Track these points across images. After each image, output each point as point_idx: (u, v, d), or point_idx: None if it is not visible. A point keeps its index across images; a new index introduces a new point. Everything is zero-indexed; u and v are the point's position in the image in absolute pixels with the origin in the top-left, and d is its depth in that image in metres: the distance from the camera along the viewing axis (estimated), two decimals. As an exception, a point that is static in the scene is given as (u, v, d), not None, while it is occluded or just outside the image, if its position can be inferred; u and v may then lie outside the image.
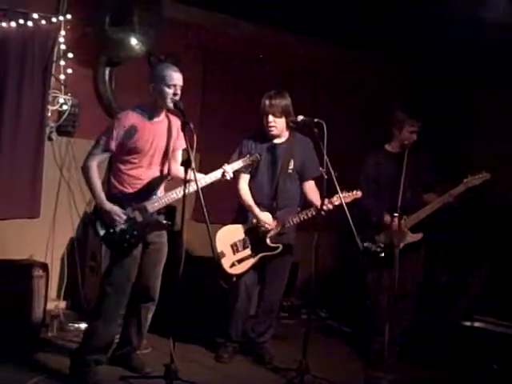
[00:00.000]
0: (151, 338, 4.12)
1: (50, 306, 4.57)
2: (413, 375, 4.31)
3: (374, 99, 6.11)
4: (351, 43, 5.84)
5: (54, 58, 4.80)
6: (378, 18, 5.06)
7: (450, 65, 5.70)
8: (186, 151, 3.45)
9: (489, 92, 6.09)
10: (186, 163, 3.35)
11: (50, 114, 4.84)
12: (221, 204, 4.53)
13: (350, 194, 4.08)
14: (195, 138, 3.34)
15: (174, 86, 3.53)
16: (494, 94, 6.05)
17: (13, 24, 4.54)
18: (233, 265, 4.11)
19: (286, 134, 4.24)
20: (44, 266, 4.34)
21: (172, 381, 3.30)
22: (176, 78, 3.54)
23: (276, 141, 4.23)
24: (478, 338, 4.59)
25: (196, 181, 3.36)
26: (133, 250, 3.56)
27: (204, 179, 3.67)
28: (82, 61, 4.95)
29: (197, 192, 3.42)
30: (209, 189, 3.71)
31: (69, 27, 4.79)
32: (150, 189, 3.62)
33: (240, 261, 4.13)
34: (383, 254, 4.31)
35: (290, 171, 4.23)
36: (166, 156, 3.69)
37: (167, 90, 3.52)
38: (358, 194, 4.11)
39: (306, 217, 4.11)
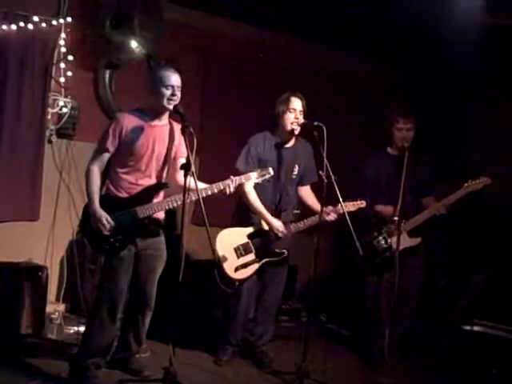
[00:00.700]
0: (150, 342, 4.10)
1: (50, 308, 4.56)
2: (413, 379, 4.31)
3: (374, 102, 6.12)
4: (351, 46, 5.84)
5: (54, 61, 4.81)
6: (377, 20, 5.06)
7: (449, 68, 5.70)
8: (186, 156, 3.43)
9: (488, 95, 6.09)
10: (185, 167, 3.33)
11: (49, 117, 4.84)
12: (220, 207, 4.49)
13: (355, 203, 4.09)
14: (195, 141, 3.33)
15: (172, 86, 3.50)
16: (492, 98, 6.05)
17: (13, 27, 4.55)
18: (237, 269, 4.06)
19: (293, 139, 4.24)
20: (43, 269, 4.33)
21: (171, 384, 3.30)
22: (173, 78, 3.52)
23: (285, 144, 4.21)
24: (477, 341, 4.58)
25: (197, 188, 3.32)
26: (119, 253, 3.52)
27: (206, 190, 3.59)
28: (82, 63, 4.95)
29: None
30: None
31: (69, 30, 4.80)
32: (145, 195, 3.57)
33: (244, 265, 4.09)
34: (388, 254, 4.31)
35: (293, 176, 4.23)
36: (165, 162, 3.64)
37: (164, 90, 3.50)
38: (363, 203, 4.12)
39: (310, 223, 4.12)
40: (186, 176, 3.32)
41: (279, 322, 5.06)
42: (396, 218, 4.15)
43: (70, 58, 4.83)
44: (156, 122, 3.61)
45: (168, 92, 3.50)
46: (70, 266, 4.96)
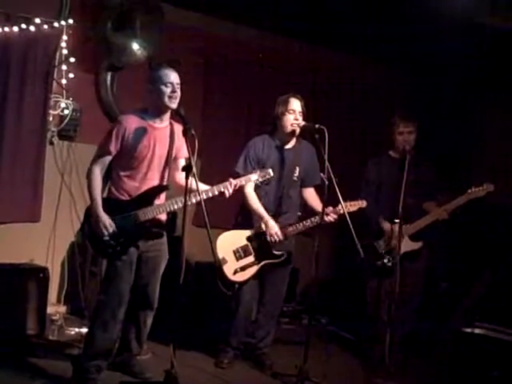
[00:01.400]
0: (151, 344, 4.11)
1: (51, 310, 4.57)
2: (413, 381, 4.31)
3: (375, 104, 6.12)
4: (351, 48, 5.85)
5: (56, 63, 4.81)
6: (378, 23, 5.06)
7: (450, 71, 5.71)
8: (187, 157, 3.43)
9: (489, 98, 6.10)
10: (186, 168, 3.32)
11: (51, 119, 4.85)
12: (222, 208, 4.50)
13: (355, 202, 4.07)
14: (196, 143, 3.32)
15: (171, 83, 3.51)
16: (494, 100, 6.06)
17: (15, 29, 4.55)
18: (236, 272, 4.06)
19: (293, 140, 4.23)
20: (44, 270, 4.33)
21: (172, 386, 3.30)
22: (172, 76, 3.53)
23: (285, 146, 4.21)
24: (478, 344, 4.58)
25: (198, 189, 3.32)
26: (121, 256, 3.52)
27: (206, 193, 3.59)
28: (84, 65, 4.96)
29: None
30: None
31: (71, 32, 4.81)
32: (147, 198, 3.57)
33: (243, 268, 4.08)
34: (386, 261, 4.31)
35: (295, 178, 4.22)
36: (166, 164, 3.64)
37: (164, 88, 3.50)
38: (364, 203, 4.11)
39: (310, 224, 4.10)
40: (187, 178, 3.31)
41: (280, 324, 5.06)
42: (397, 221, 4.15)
43: (72, 59, 4.84)
44: (158, 124, 3.62)
45: (168, 89, 3.51)
46: (71, 268, 4.96)
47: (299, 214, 4.28)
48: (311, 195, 4.30)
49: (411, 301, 4.46)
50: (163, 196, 3.67)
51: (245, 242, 4.13)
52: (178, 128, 3.61)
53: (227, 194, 3.66)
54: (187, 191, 3.31)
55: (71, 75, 4.86)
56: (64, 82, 4.84)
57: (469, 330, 4.67)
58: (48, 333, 4.27)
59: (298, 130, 4.12)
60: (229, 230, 4.22)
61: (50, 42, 4.74)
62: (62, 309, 4.93)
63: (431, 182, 4.52)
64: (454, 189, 4.47)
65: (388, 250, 4.38)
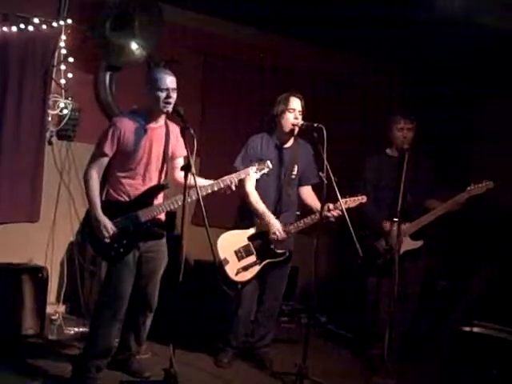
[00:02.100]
0: (151, 343, 4.11)
1: (50, 309, 4.57)
2: (412, 380, 4.31)
3: (374, 104, 6.12)
4: (351, 49, 5.85)
5: (55, 63, 4.81)
6: (378, 24, 5.06)
7: (450, 71, 5.71)
8: (186, 157, 3.43)
9: (489, 99, 6.10)
10: (186, 168, 3.32)
11: (50, 119, 4.86)
12: (221, 206, 4.51)
13: (355, 198, 4.06)
14: (195, 142, 3.31)
15: (167, 89, 3.47)
16: (493, 101, 6.06)
17: (14, 28, 4.56)
18: (238, 272, 4.04)
19: (292, 139, 4.23)
20: (43, 270, 4.33)
21: (172, 385, 3.30)
22: (168, 81, 3.48)
23: (284, 145, 4.20)
24: (477, 343, 4.58)
25: (196, 187, 3.31)
26: (123, 258, 3.52)
27: (206, 189, 3.59)
28: (83, 65, 4.96)
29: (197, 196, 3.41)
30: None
31: (69, 32, 4.81)
32: (146, 198, 3.56)
33: (245, 268, 4.07)
34: (389, 256, 4.32)
35: (293, 177, 4.22)
36: (163, 164, 3.63)
37: (159, 93, 3.47)
38: (364, 198, 4.10)
39: (310, 222, 4.09)
40: (186, 177, 3.31)
41: (279, 323, 5.06)
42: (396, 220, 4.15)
43: (71, 59, 4.84)
44: (153, 125, 3.60)
45: (163, 95, 3.47)
46: (70, 267, 4.96)
47: (298, 213, 4.28)
48: (309, 194, 4.31)
49: (410, 300, 4.46)
50: (162, 196, 3.67)
51: (246, 242, 4.12)
52: (174, 127, 3.61)
53: (233, 187, 3.65)
54: (186, 191, 3.31)
55: (70, 75, 4.86)
56: (63, 81, 4.85)
57: (467, 328, 4.66)
58: (47, 332, 4.27)
59: (296, 129, 4.12)
60: (228, 229, 4.22)
61: (48, 41, 4.74)
62: (61, 308, 4.94)
63: (430, 179, 4.53)
64: (452, 187, 4.47)
65: (388, 248, 4.38)
